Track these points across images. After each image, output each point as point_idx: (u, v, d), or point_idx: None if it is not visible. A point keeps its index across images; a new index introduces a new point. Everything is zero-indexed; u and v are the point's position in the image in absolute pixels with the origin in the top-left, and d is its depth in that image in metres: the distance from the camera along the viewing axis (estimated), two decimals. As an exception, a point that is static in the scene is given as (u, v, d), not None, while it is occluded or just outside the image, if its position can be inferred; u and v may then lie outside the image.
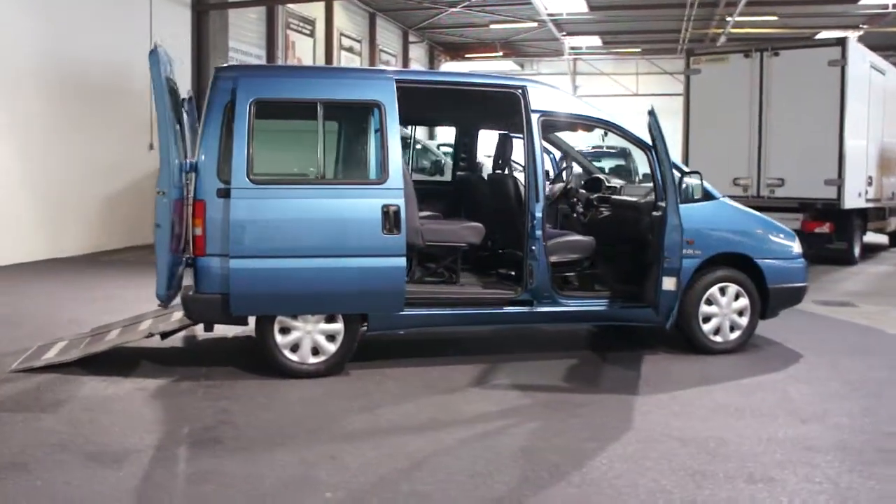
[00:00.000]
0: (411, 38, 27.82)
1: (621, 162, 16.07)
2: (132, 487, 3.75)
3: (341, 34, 23.42)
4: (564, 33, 26.33)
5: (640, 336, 6.70)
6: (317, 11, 21.80)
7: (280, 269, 5.34)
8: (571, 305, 5.95)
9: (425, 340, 6.56)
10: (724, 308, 6.27)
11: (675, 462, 4.06)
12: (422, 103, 6.37)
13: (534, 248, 5.78)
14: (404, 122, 6.24)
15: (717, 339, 6.31)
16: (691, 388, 5.40)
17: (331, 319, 5.56)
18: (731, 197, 11.26)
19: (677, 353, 6.26)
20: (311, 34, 21.80)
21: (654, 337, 6.63)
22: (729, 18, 21.60)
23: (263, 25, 19.13)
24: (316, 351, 5.56)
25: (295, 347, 5.53)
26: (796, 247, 6.56)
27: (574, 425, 4.61)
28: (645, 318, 6.00)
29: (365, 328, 5.66)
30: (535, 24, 24.94)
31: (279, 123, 5.76)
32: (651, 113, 5.52)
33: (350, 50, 24.21)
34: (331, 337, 5.57)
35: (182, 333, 6.42)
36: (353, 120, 6.01)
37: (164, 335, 5.92)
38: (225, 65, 5.52)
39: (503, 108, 6.12)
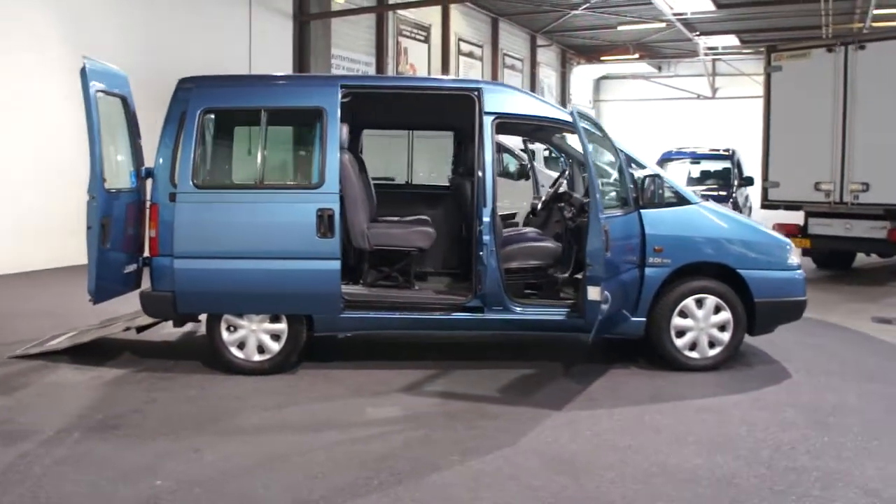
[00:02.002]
0: (539, 42, 27.62)
1: (727, 165, 15.08)
2: (5, 462, 4.04)
3: (459, 39, 23.63)
4: (697, 33, 25.17)
5: (628, 349, 6.31)
6: (432, 17, 22.12)
7: (221, 269, 5.56)
8: (523, 313, 5.74)
9: (407, 344, 6.55)
10: (701, 322, 5.82)
11: (521, 482, 3.86)
12: (380, 108, 6.38)
13: (481, 253, 5.64)
14: (360, 127, 6.30)
15: (694, 354, 5.86)
16: (630, 406, 5.08)
17: (276, 319, 5.71)
18: (813, 203, 10.69)
19: (653, 369, 5.87)
20: (426, 40, 22.14)
21: (640, 351, 6.22)
22: (878, 11, 19.78)
23: (372, 33, 19.62)
24: (262, 349, 5.72)
25: (242, 345, 5.72)
26: (792, 257, 5.98)
27: (456, 437, 4.48)
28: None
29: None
30: (664, 25, 24.02)
31: (236, 130, 5.96)
32: (573, 113, 5.22)
33: (470, 55, 24.38)
34: (276, 336, 5.71)
35: (188, 328, 6.77)
36: (298, 126, 6.13)
37: (140, 329, 6.32)
38: (187, 76, 5.76)
39: (461, 110, 6.01)
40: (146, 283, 5.75)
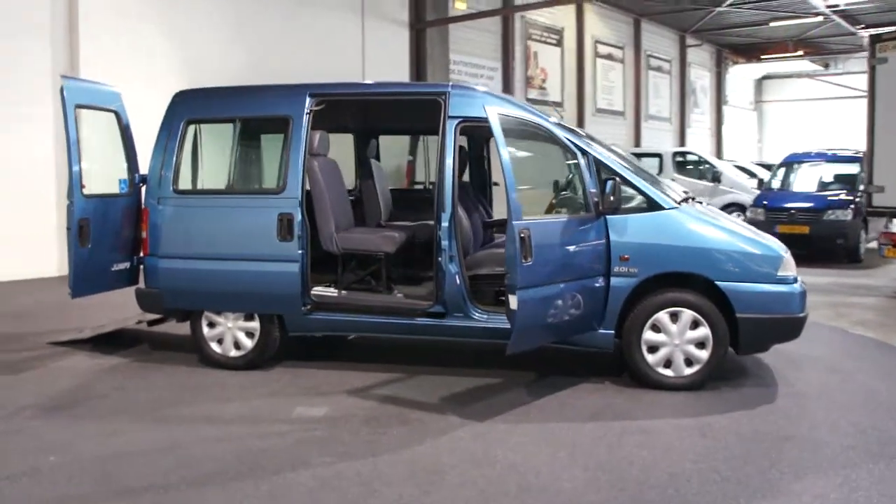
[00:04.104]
0: (689, 42, 26.48)
1: (853, 170, 13.74)
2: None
3: (596, 42, 23.17)
4: (862, 25, 23.08)
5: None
6: (565, 20, 21.85)
7: (198, 269, 5.92)
8: (485, 321, 5.62)
9: (397, 347, 6.58)
10: (676, 337, 5.42)
11: (369, 488, 3.84)
12: (354, 114, 6.47)
13: (440, 259, 5.59)
14: (336, 132, 6.42)
15: (668, 372, 5.47)
16: (559, 422, 4.81)
17: (250, 318, 5.98)
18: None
19: (630, 386, 5.49)
20: (559, 43, 21.90)
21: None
22: None
23: (497, 37, 19.66)
24: (238, 345, 6.01)
25: (221, 340, 6.04)
26: (784, 269, 5.42)
27: (352, 441, 4.51)
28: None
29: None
30: (821, 19, 22.25)
31: (213, 139, 6.29)
32: (490, 114, 5.02)
33: (609, 57, 23.85)
34: (250, 334, 5.99)
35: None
36: (267, 134, 6.35)
37: (150, 323, 6.82)
38: (180, 90, 6.18)
39: (432, 114, 5.98)
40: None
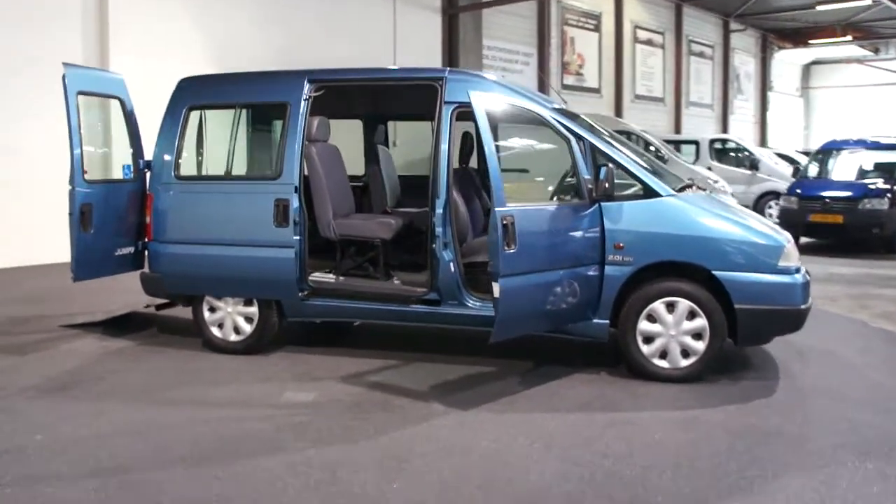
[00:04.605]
0: (733, 27, 25.85)
1: (894, 158, 13.26)
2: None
3: (636, 27, 22.80)
4: (914, 7, 22.30)
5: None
6: (604, 5, 21.54)
7: (198, 254, 5.99)
8: (479, 309, 5.57)
9: (402, 334, 6.56)
10: (671, 328, 5.31)
11: (334, 475, 3.84)
12: (361, 100, 6.44)
13: (434, 245, 5.56)
14: (337, 118, 6.40)
15: (663, 363, 5.36)
16: (543, 412, 4.74)
17: (249, 303, 6.03)
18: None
19: (625, 377, 5.39)
20: (597, 28, 21.60)
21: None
22: None
23: (532, 22, 19.43)
24: (238, 330, 6.07)
25: (221, 325, 6.11)
26: (785, 259, 5.25)
27: (333, 426, 4.52)
28: None
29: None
30: (870, 2, 21.52)
31: (213, 125, 6.32)
32: (469, 98, 4.94)
33: (649, 43, 23.46)
34: (249, 319, 6.04)
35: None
36: (266, 120, 6.36)
37: (157, 307, 6.93)
38: (185, 77, 6.24)
39: (430, 100, 5.92)
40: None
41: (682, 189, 5.68)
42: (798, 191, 12.85)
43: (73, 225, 5.76)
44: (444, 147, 5.58)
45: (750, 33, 26.94)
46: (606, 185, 5.21)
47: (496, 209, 4.71)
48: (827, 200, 12.35)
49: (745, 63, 27.23)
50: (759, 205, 17.14)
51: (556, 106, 5.82)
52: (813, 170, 13.67)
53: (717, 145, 18.73)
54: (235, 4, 12.81)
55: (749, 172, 17.43)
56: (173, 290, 6.20)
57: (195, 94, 6.14)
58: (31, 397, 5.06)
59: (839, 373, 5.71)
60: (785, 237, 5.42)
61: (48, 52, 9.80)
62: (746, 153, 18.00)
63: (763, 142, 26.89)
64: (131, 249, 6.28)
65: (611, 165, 5.26)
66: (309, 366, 5.76)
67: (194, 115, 6.17)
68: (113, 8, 11.18)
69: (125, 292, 7.65)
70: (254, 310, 6.01)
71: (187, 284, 6.11)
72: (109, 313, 7.07)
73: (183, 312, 6.87)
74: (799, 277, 5.30)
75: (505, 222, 4.73)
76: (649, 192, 5.38)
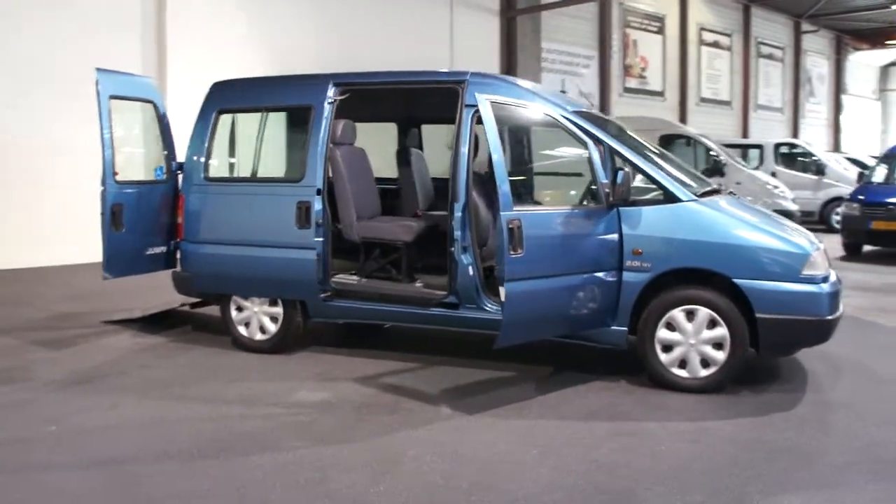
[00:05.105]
0: (805, 28, 25.02)
1: None
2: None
3: (701, 28, 22.32)
4: None
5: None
6: (668, 7, 21.17)
7: (225, 254, 6.13)
8: (497, 313, 5.50)
9: (427, 337, 6.56)
10: (691, 336, 5.16)
11: (324, 474, 3.87)
12: (395, 103, 6.46)
13: (452, 249, 5.54)
14: (362, 121, 6.45)
15: (682, 373, 5.21)
16: (549, 420, 4.67)
17: (274, 303, 6.13)
18: None
19: (645, 386, 5.27)
20: (660, 31, 21.24)
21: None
22: None
23: (593, 24, 19.23)
24: (264, 329, 6.17)
25: (248, 324, 6.23)
26: (811, 267, 5.03)
27: (336, 426, 4.56)
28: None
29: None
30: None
31: (242, 128, 6.44)
32: (479, 101, 4.89)
33: (715, 45, 22.94)
34: (274, 318, 6.14)
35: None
36: (293, 123, 6.44)
37: (192, 306, 7.12)
38: (217, 80, 6.40)
39: (452, 102, 5.90)
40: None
41: (706, 194, 5.54)
42: (861, 197, 12.34)
43: (104, 224, 5.95)
44: (463, 150, 5.55)
45: (823, 34, 26.03)
46: (623, 189, 5.11)
47: (502, 213, 4.67)
48: (891, 207, 11.82)
49: (817, 65, 26.32)
50: (825, 211, 16.56)
51: (579, 109, 5.72)
52: (879, 175, 13.11)
53: (783, 150, 18.15)
54: (293, 10, 13.01)
55: (815, 178, 16.85)
56: (203, 290, 6.36)
57: (225, 98, 6.28)
58: (55, 389, 5.25)
59: (871, 388, 5.46)
60: (813, 245, 5.22)
61: (112, 62, 10.13)
62: (813, 158, 17.39)
63: (837, 146, 25.93)
64: (163, 249, 6.46)
65: (627, 169, 5.15)
66: (329, 366, 5.82)
67: (224, 119, 6.31)
68: (171, 19, 11.53)
69: (167, 291, 7.85)
70: (279, 310, 6.11)
71: (215, 284, 6.26)
72: (147, 310, 7.28)
73: (217, 311, 7.05)
74: (826, 287, 5.08)
75: (511, 226, 4.69)
76: (669, 197, 5.24)
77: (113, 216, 5.96)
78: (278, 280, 5.96)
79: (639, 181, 5.46)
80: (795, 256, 5.06)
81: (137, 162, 6.42)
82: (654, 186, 5.34)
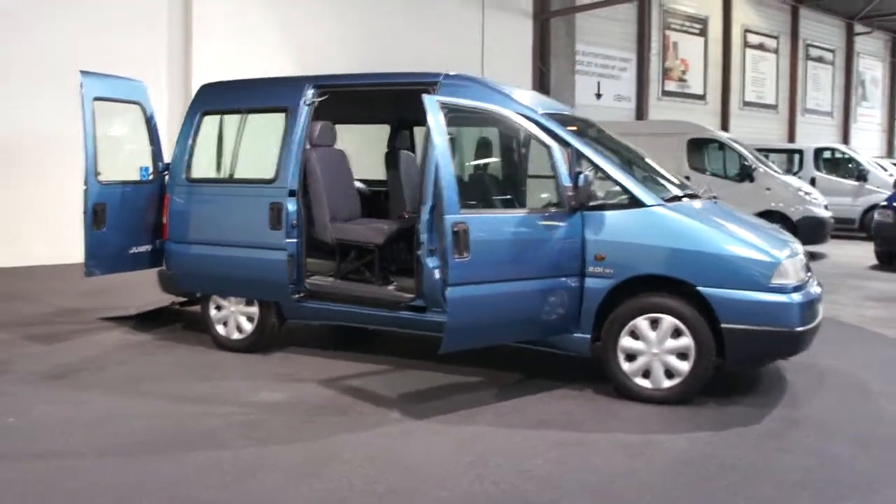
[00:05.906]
0: (857, 30, 24.23)
1: None
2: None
3: (746, 30, 21.81)
4: None
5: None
6: (710, 8, 20.77)
7: (204, 254, 6.24)
8: (463, 317, 5.48)
9: (410, 340, 6.54)
10: (654, 346, 5.04)
11: (256, 478, 3.90)
12: (386, 105, 6.50)
13: (419, 252, 5.52)
14: (356, 123, 6.48)
15: (645, 383, 5.09)
16: (497, 427, 4.61)
17: (250, 303, 6.20)
18: None
19: (610, 396, 5.16)
20: (702, 33, 20.85)
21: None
22: None
23: (631, 26, 18.96)
24: (240, 329, 6.26)
25: (226, 323, 6.32)
26: (780, 276, 4.85)
27: (283, 426, 4.60)
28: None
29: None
30: None
31: (222, 130, 6.50)
32: (426, 101, 4.83)
33: (760, 47, 22.41)
34: (251, 318, 6.21)
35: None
36: (272, 125, 6.46)
37: (180, 304, 7.25)
38: (204, 83, 6.51)
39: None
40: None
41: (680, 198, 5.41)
42: (895, 203, 11.90)
43: (85, 222, 6.09)
44: (433, 153, 5.51)
45: (877, 36, 25.17)
46: (583, 193, 5.02)
47: (445, 216, 4.64)
48: (926, 214, 11.38)
49: (871, 68, 25.46)
50: (865, 218, 16.00)
51: (551, 112, 5.64)
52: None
53: (825, 155, 17.58)
54: (319, 11, 13.07)
55: (856, 184, 16.29)
56: (186, 288, 6.48)
57: (210, 99, 6.39)
58: (29, 382, 5.40)
59: (849, 402, 5.25)
60: (785, 252, 5.04)
61: (136, 60, 10.39)
62: (856, 163, 16.82)
63: (891, 151, 25.03)
64: (148, 248, 6.58)
65: (588, 172, 5.06)
66: (300, 367, 5.85)
67: (208, 120, 6.41)
68: (197, 18, 11.75)
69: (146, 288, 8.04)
70: (255, 310, 6.18)
71: (196, 283, 6.37)
72: (142, 308, 7.43)
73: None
74: (797, 297, 4.90)
75: (456, 229, 4.64)
76: (634, 201, 5.13)
77: (95, 215, 6.09)
78: (253, 280, 6.03)
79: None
80: (764, 264, 4.90)
81: (128, 162, 6.52)
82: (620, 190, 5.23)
